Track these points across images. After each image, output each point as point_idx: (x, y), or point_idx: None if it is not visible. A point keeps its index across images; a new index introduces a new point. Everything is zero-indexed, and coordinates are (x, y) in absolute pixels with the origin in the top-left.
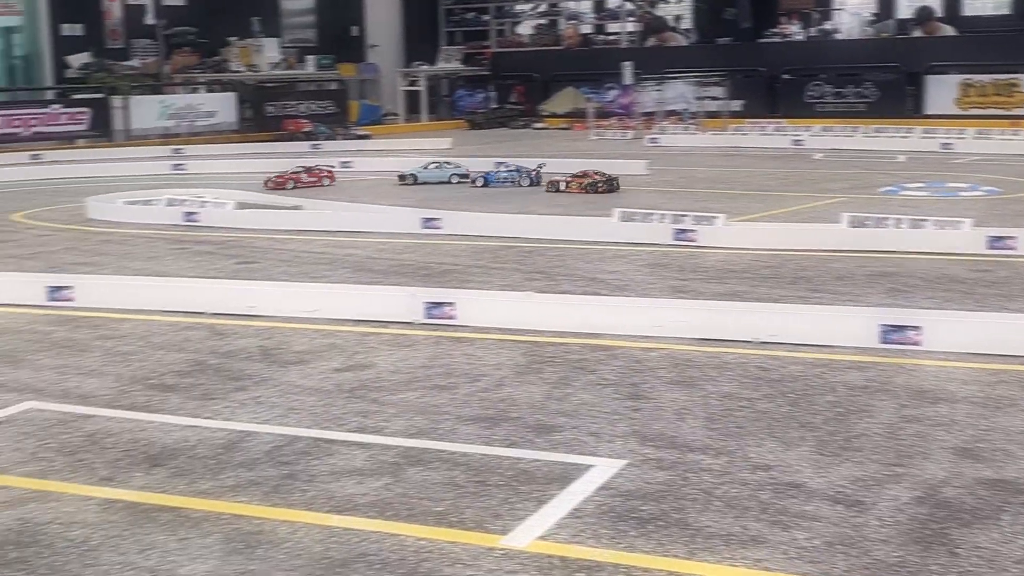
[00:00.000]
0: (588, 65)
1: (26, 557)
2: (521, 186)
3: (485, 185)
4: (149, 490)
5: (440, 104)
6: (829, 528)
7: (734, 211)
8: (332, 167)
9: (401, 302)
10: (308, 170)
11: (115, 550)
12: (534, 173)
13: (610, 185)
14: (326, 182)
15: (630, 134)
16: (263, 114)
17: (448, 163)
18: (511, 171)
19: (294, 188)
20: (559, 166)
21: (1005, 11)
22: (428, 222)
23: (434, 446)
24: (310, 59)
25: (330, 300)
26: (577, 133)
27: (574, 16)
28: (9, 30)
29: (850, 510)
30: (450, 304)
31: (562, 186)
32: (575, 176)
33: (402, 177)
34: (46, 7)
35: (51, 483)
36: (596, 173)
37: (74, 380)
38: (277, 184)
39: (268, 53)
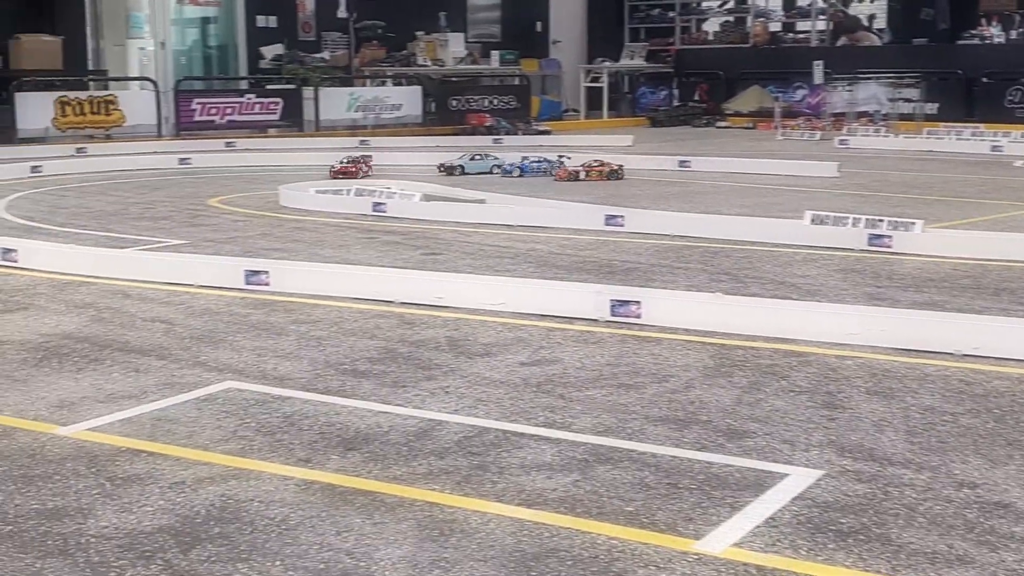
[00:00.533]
0: (775, 63)
1: (228, 533)
2: (551, 175)
3: (521, 175)
4: (344, 473)
5: (621, 101)
6: None
7: (930, 217)
8: (370, 157)
9: (587, 299)
10: (354, 161)
11: (313, 531)
12: (558, 163)
13: (617, 174)
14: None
15: (818, 135)
16: (447, 108)
17: (488, 155)
18: (539, 162)
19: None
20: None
21: None
22: (611, 219)
23: (623, 445)
24: (494, 54)
25: (516, 294)
26: (762, 133)
27: (763, 14)
28: (206, 20)
29: None
30: (636, 303)
31: (582, 175)
32: (591, 165)
33: (448, 169)
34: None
35: (251, 462)
36: (605, 163)
37: (271, 362)
38: (345, 173)
39: (453, 48)
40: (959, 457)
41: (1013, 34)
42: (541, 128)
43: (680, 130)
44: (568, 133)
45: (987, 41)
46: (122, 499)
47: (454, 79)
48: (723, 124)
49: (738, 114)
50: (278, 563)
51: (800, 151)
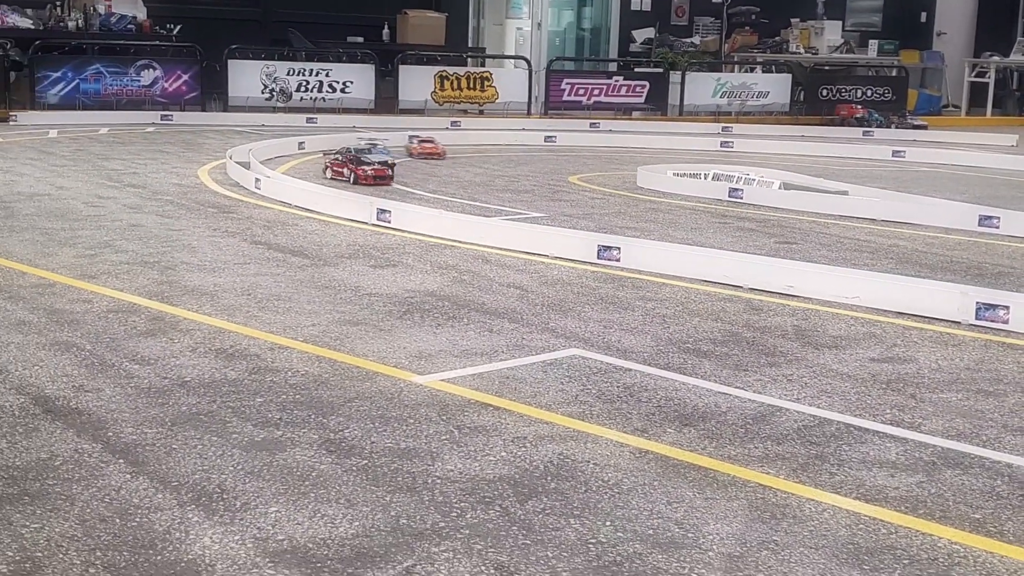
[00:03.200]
0: None
1: (563, 489)
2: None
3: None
4: (679, 447)
5: (1008, 99)
6: None
7: None
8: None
9: (951, 299)
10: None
11: (645, 497)
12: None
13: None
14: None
15: None
16: (816, 97)
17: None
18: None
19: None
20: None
21: None
22: (985, 220)
23: (975, 451)
24: (872, 43)
25: (873, 288)
26: None
27: None
28: (582, 3)
29: None
30: (1005, 308)
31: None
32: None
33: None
34: None
35: (589, 425)
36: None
37: (616, 334)
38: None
39: (829, 36)
40: None
41: None
42: (916, 123)
43: None
44: (945, 129)
45: None
46: (468, 447)
47: (826, 67)
48: None
49: None
50: (608, 523)
51: None
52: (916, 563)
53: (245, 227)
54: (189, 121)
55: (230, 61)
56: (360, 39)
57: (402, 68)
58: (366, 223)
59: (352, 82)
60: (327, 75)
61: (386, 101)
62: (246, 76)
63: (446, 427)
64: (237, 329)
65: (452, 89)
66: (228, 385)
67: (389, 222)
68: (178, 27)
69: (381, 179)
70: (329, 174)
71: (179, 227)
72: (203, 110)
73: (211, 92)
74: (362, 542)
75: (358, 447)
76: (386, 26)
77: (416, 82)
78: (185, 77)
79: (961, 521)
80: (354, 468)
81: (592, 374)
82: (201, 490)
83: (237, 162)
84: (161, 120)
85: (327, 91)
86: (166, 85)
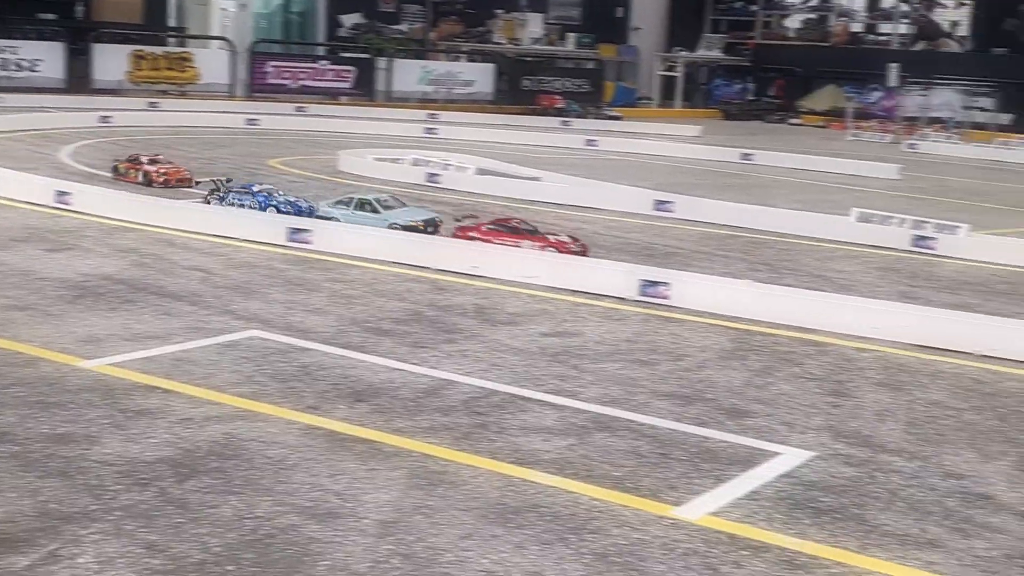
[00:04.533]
0: (854, 64)
1: (225, 468)
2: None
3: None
4: (349, 422)
5: (696, 92)
6: (1012, 542)
7: (982, 224)
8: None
9: (617, 277)
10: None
11: (307, 472)
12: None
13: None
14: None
15: (888, 138)
16: (519, 87)
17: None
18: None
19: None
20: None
21: None
22: (660, 205)
23: (624, 416)
24: (571, 37)
25: (549, 268)
26: (833, 132)
27: (845, 13)
28: None
29: None
30: (665, 284)
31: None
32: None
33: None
34: None
35: (261, 405)
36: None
37: (299, 315)
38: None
39: (531, 28)
40: (953, 450)
41: None
42: (611, 114)
43: (752, 124)
44: (639, 120)
45: None
46: (130, 430)
47: (528, 59)
48: (796, 121)
49: (812, 112)
50: (267, 498)
51: (868, 152)
52: (558, 519)
53: None
54: None
55: None
56: (52, 15)
57: (96, 46)
58: (45, 206)
59: (42, 60)
60: (14, 53)
61: (80, 81)
62: None
63: (108, 411)
64: None
65: (150, 69)
66: None
67: (70, 204)
68: None
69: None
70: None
71: None
72: None
73: None
74: (5, 528)
75: (11, 434)
76: (80, 2)
77: (111, 62)
78: None
79: (604, 479)
80: (4, 455)
81: (269, 354)
82: None
83: None
84: None
85: (13, 69)
86: None
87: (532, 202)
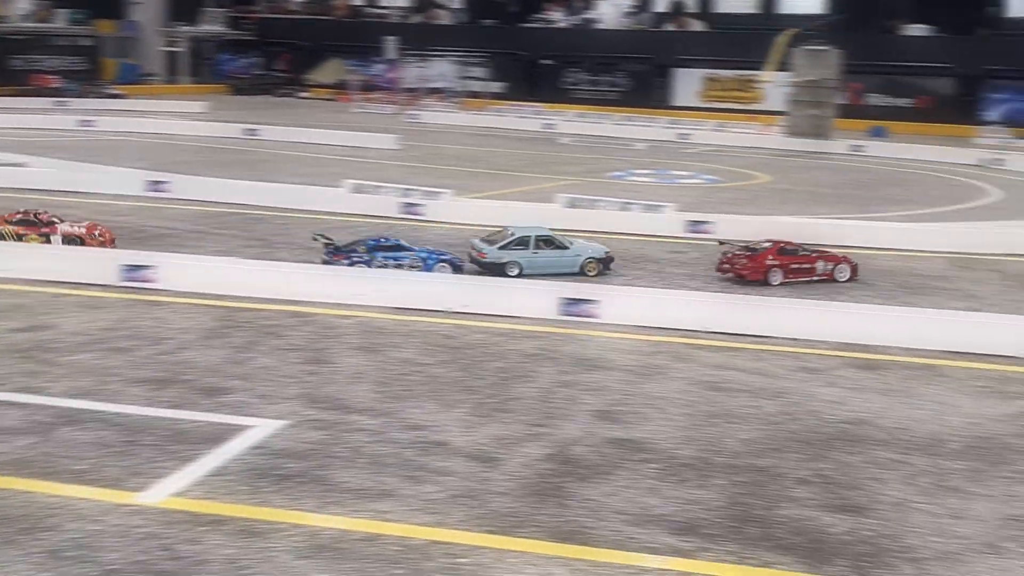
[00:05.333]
0: (355, 37)
1: None
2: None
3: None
4: None
5: (203, 67)
6: (458, 482)
7: (472, 188)
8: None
9: (97, 264)
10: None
11: None
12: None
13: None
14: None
15: (392, 109)
16: (8, 68)
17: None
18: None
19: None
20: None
21: (753, 9)
22: (155, 185)
23: (94, 407)
24: (62, 13)
25: (22, 261)
26: (341, 104)
27: None
28: None
29: (483, 466)
30: (149, 267)
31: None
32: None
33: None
34: None
35: None
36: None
37: None
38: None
39: (19, 4)
40: (416, 403)
41: (575, 18)
42: (113, 92)
43: (261, 99)
44: (144, 98)
45: (550, 25)
46: None
47: (17, 37)
48: (305, 95)
49: (319, 85)
50: None
51: (372, 124)
52: (8, 521)
53: None
54: None
55: None
56: None
57: None
58: None
59: None
60: None
61: None
62: None
63: None
64: None
65: None
66: None
67: None
68: None
69: None
70: None
71: None
72: None
73: None
74: None
75: None
76: None
77: None
78: None
79: (64, 474)
80: None
81: None
82: None
83: None
84: None
85: None
86: None
87: (19, 190)
